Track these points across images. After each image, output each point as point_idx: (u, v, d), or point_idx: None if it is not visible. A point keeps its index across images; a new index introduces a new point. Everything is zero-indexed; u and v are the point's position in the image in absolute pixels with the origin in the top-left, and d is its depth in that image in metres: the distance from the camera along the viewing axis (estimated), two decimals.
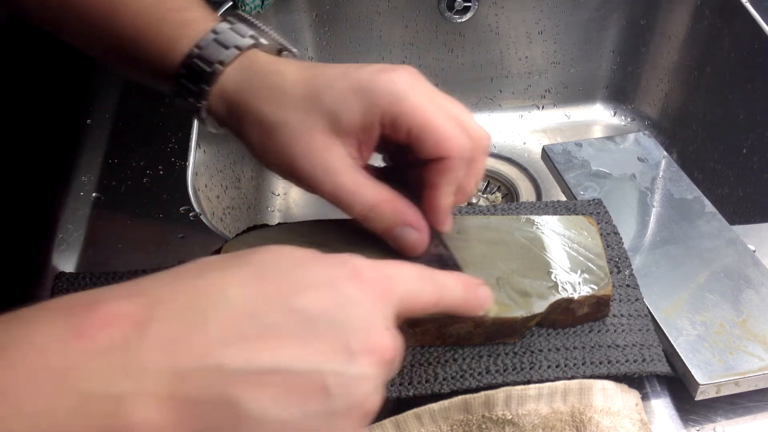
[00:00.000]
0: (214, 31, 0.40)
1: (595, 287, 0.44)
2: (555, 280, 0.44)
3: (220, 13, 0.77)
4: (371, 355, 0.29)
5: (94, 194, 0.56)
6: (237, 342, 0.27)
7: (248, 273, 0.29)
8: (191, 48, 0.40)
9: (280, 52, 0.43)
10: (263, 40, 0.41)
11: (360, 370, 0.28)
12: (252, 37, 0.41)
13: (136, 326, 0.26)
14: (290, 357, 0.27)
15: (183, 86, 0.40)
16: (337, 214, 0.41)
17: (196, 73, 0.40)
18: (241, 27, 0.41)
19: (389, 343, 0.30)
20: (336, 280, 0.30)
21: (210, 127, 0.42)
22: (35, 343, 0.25)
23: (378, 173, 0.41)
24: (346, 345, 0.28)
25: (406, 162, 0.41)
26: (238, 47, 0.40)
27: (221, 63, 0.39)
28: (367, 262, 0.31)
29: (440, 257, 0.41)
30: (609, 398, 0.42)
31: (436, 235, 0.41)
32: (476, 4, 0.87)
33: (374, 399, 0.29)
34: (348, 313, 0.29)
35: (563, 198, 0.59)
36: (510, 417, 0.41)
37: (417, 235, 0.39)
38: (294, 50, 0.43)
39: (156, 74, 0.42)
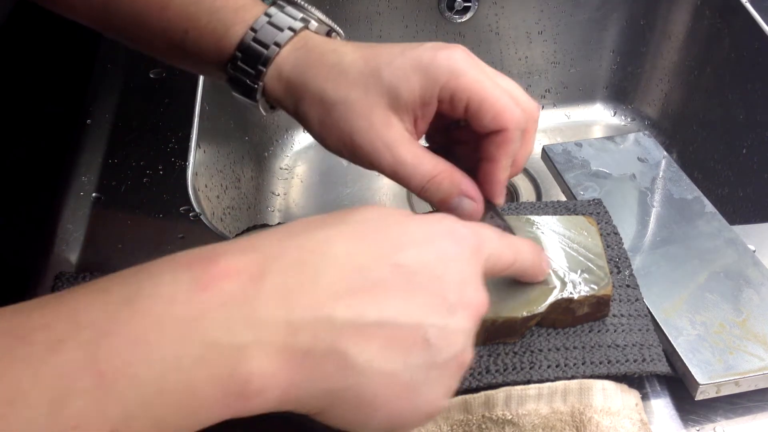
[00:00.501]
0: (267, 14, 0.41)
1: (595, 287, 0.44)
2: (555, 280, 0.44)
3: None
4: (467, 309, 0.30)
5: (94, 194, 0.56)
6: (345, 295, 0.28)
7: (352, 230, 0.31)
8: (246, 31, 0.41)
9: (329, 33, 0.44)
10: (314, 22, 0.42)
11: (458, 323, 0.30)
12: (303, 19, 0.42)
13: (253, 279, 0.28)
14: (394, 310, 0.29)
15: (240, 68, 0.41)
16: None
17: (252, 55, 0.41)
18: (292, 10, 0.42)
19: (482, 298, 0.31)
20: (434, 236, 0.31)
21: (262, 110, 0.43)
22: (161, 294, 0.27)
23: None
24: (445, 299, 0.30)
25: (453, 140, 0.43)
26: (291, 29, 0.41)
27: (277, 44, 0.40)
28: (459, 221, 0.33)
29: (499, 227, 0.41)
30: (609, 398, 0.42)
31: (491, 207, 0.42)
32: (476, 4, 0.87)
33: (468, 351, 0.31)
34: (446, 268, 0.31)
35: (563, 198, 0.59)
36: (510, 417, 0.41)
37: (474, 205, 0.40)
38: (341, 31, 0.44)
39: (210, 61, 0.42)
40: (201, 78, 0.66)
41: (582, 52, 0.92)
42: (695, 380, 0.43)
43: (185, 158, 0.59)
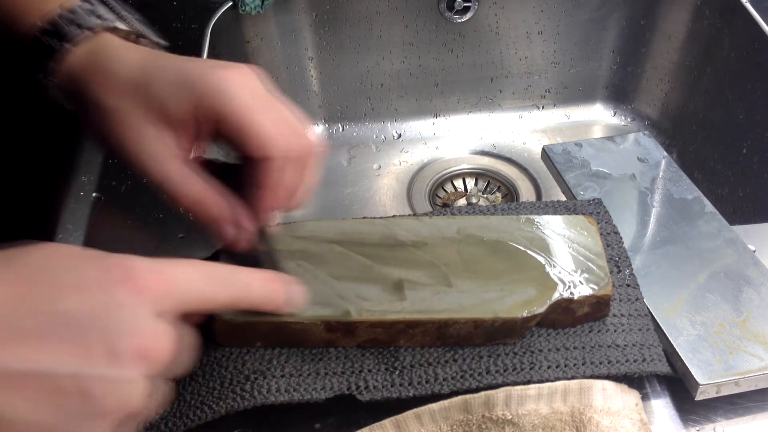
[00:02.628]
0: (70, 11, 0.41)
1: (595, 287, 0.44)
2: (555, 280, 0.44)
3: (220, 12, 0.77)
4: (139, 358, 0.29)
5: (94, 194, 0.56)
6: None
7: (13, 274, 0.29)
8: (41, 23, 0.40)
9: (138, 38, 0.43)
10: (120, 25, 0.42)
11: (124, 373, 0.29)
12: (106, 19, 0.41)
13: None
14: (48, 360, 0.28)
15: (29, 61, 0.41)
16: (336, 215, 0.41)
17: (41, 49, 0.40)
18: (100, 9, 0.41)
19: (160, 344, 0.30)
20: (104, 282, 0.30)
21: (62, 104, 0.42)
22: None
23: (225, 168, 0.42)
24: (110, 348, 0.29)
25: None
26: (90, 29, 0.40)
27: (69, 41, 0.40)
28: (144, 262, 0.31)
29: (258, 254, 0.42)
30: (609, 398, 0.42)
31: (263, 232, 0.41)
32: (476, 4, 0.87)
33: (141, 400, 0.30)
34: (113, 316, 0.29)
35: (563, 198, 0.59)
36: (510, 417, 0.41)
37: (238, 232, 0.40)
38: (155, 39, 0.44)
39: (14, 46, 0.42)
40: None
41: (582, 52, 0.92)
42: (695, 380, 0.43)
43: None
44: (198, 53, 0.72)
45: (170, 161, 0.39)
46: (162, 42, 0.44)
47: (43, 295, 0.29)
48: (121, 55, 0.40)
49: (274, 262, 0.42)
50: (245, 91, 0.39)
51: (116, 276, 0.30)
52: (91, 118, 0.40)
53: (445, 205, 0.85)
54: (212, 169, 0.41)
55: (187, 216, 0.55)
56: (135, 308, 0.30)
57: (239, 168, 0.41)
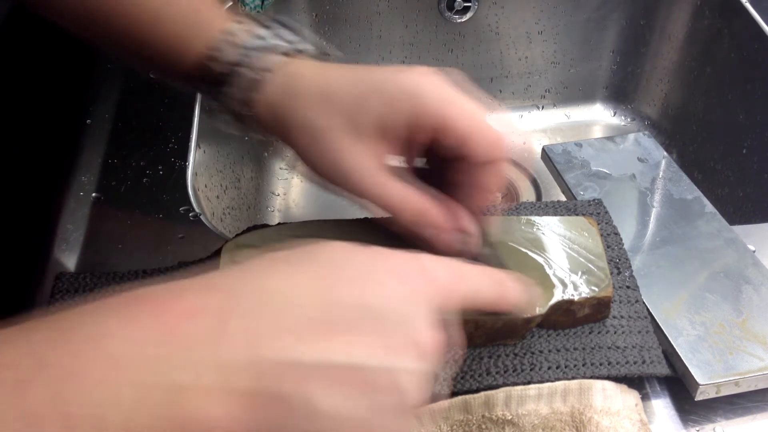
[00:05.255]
0: (258, 38, 0.40)
1: (596, 288, 0.44)
2: (555, 281, 0.44)
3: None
4: (413, 350, 0.29)
5: (94, 194, 0.56)
6: (310, 338, 0.27)
7: (315, 271, 0.29)
8: (236, 56, 0.40)
9: (323, 56, 0.43)
10: (307, 46, 0.41)
11: (401, 364, 0.29)
12: (293, 42, 0.41)
13: (216, 319, 0.27)
14: (361, 353, 0.28)
15: (228, 95, 0.40)
16: (336, 215, 0.41)
17: (241, 81, 0.40)
18: (284, 33, 0.41)
19: (431, 337, 0.30)
20: (405, 277, 0.30)
21: (255, 132, 0.42)
22: (125, 335, 0.26)
23: (417, 174, 0.41)
24: (413, 341, 0.29)
25: (442, 164, 0.41)
26: (284, 53, 0.40)
27: (267, 70, 0.39)
28: (433, 258, 0.32)
29: (482, 256, 0.41)
30: (609, 398, 0.42)
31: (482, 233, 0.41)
32: (476, 4, 0.87)
33: (418, 393, 0.30)
34: (390, 308, 0.29)
35: (563, 198, 0.59)
36: (510, 417, 0.41)
37: (467, 238, 0.40)
38: (339, 54, 0.44)
39: (196, 83, 0.42)
40: None
41: (582, 52, 0.92)
42: (695, 380, 0.43)
43: (185, 158, 0.59)
44: None
45: (386, 175, 0.38)
46: (339, 54, 0.44)
47: (346, 289, 0.29)
48: (315, 74, 0.39)
49: (499, 262, 0.42)
50: (444, 92, 0.38)
51: (411, 270, 0.31)
52: (298, 142, 0.39)
53: None
54: (415, 176, 0.41)
55: (187, 216, 0.55)
56: (430, 302, 0.30)
57: (428, 172, 0.41)
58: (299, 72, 0.40)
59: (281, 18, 0.42)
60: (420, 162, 0.42)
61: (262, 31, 0.41)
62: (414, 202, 0.39)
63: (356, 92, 0.38)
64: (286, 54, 0.40)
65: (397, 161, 0.40)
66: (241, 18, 0.42)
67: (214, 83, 0.41)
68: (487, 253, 0.41)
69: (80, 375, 0.24)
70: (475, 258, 0.40)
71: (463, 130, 0.38)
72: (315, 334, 0.27)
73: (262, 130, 0.41)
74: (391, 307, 0.29)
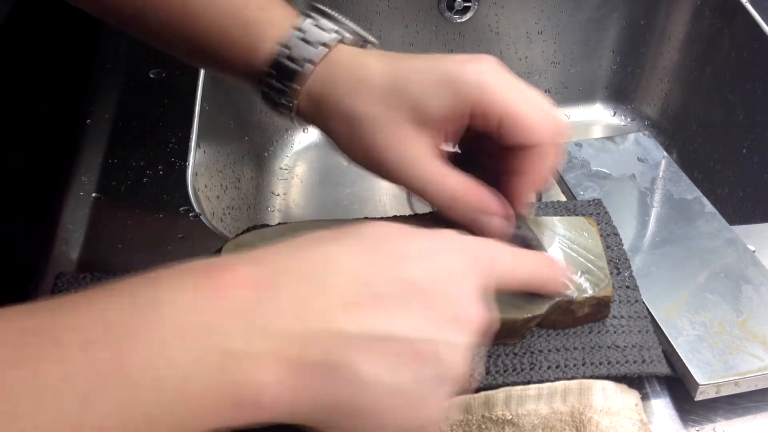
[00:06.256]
0: (300, 30, 0.40)
1: (596, 288, 0.44)
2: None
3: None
4: (473, 325, 0.30)
5: (94, 194, 0.56)
6: (355, 309, 0.28)
7: (359, 245, 0.31)
8: (278, 48, 0.40)
9: (362, 43, 0.43)
10: (347, 34, 0.41)
11: (465, 339, 0.30)
12: (336, 32, 0.41)
13: (266, 290, 0.28)
14: (405, 325, 0.29)
15: (272, 86, 0.40)
16: (337, 215, 0.41)
17: (285, 73, 0.40)
18: (325, 23, 0.41)
19: (486, 314, 0.31)
20: (442, 251, 0.31)
21: (299, 125, 0.43)
22: (182, 300, 0.27)
23: (452, 160, 0.41)
24: (455, 315, 0.30)
25: (481, 150, 0.42)
26: (325, 44, 0.40)
27: (311, 62, 0.39)
28: (470, 237, 0.33)
29: (524, 238, 0.42)
30: (608, 398, 0.42)
31: (519, 219, 0.42)
32: (476, 4, 0.87)
33: (463, 367, 0.31)
34: (455, 283, 0.30)
35: (563, 198, 0.59)
36: (510, 417, 0.41)
37: (502, 223, 0.40)
38: (374, 41, 0.43)
39: (243, 74, 0.42)
40: (201, 78, 0.66)
41: (582, 52, 0.92)
42: (695, 380, 0.43)
43: (185, 158, 0.59)
44: None
45: (428, 162, 0.39)
46: (376, 42, 0.44)
47: (390, 264, 0.30)
48: (362, 63, 0.40)
49: (540, 245, 0.42)
50: (502, 81, 0.39)
51: (452, 246, 0.32)
52: (340, 131, 0.40)
53: None
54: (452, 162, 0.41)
55: (187, 216, 0.55)
56: (470, 277, 0.31)
57: (468, 159, 0.41)
58: (338, 60, 0.40)
59: (320, 6, 0.42)
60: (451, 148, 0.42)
61: (303, 22, 0.41)
62: (447, 185, 0.39)
63: (393, 80, 0.39)
64: (326, 45, 0.40)
65: (432, 148, 0.40)
66: (282, 7, 0.42)
67: (256, 74, 0.41)
68: (528, 236, 0.42)
69: (140, 338, 0.26)
70: (521, 238, 0.41)
71: (499, 115, 0.38)
72: (360, 306, 0.29)
73: (301, 119, 0.42)
74: (434, 282, 0.30)
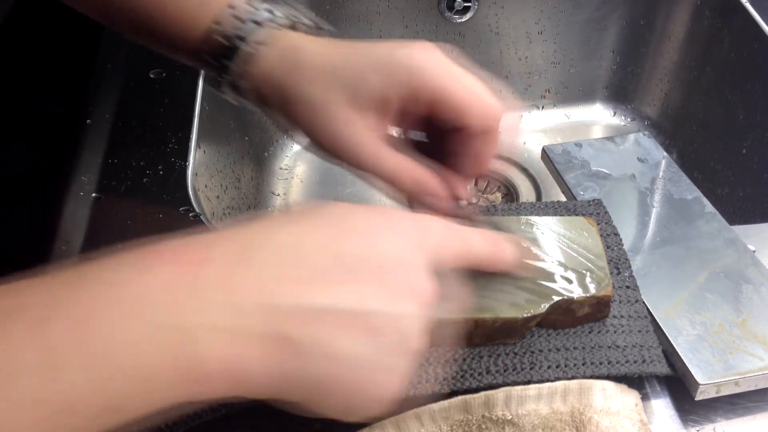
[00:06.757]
0: (231, 6, 0.41)
1: (596, 288, 0.44)
2: (555, 280, 0.44)
3: None
4: (413, 297, 0.31)
5: (94, 194, 0.56)
6: (289, 283, 0.29)
7: (322, 224, 0.31)
8: (209, 24, 0.41)
9: (318, 31, 0.44)
10: (302, 20, 0.43)
11: (403, 309, 0.30)
12: (287, 17, 0.42)
13: (235, 265, 0.28)
14: (337, 298, 0.29)
15: (205, 62, 0.42)
16: None
17: (216, 48, 0.41)
18: (278, 7, 0.42)
19: (429, 286, 0.32)
20: (377, 228, 0.32)
21: (257, 108, 0.44)
22: (104, 278, 0.27)
23: (413, 146, 0.43)
24: (388, 287, 0.30)
25: (438, 136, 0.43)
26: (277, 27, 0.41)
27: (261, 44, 0.41)
28: (403, 212, 0.34)
29: (492, 224, 0.43)
30: (609, 398, 0.42)
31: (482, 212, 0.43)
32: (476, 4, 0.87)
33: (419, 338, 0.31)
34: (390, 258, 0.31)
35: (563, 198, 0.59)
36: (510, 417, 0.41)
37: (438, 202, 0.41)
38: (330, 28, 0.45)
39: (182, 53, 0.43)
40: (201, 78, 0.66)
41: (582, 52, 0.92)
42: (695, 380, 0.43)
43: (185, 158, 0.59)
44: None
45: (378, 144, 0.40)
46: (332, 29, 0.45)
47: (350, 240, 0.31)
48: (314, 48, 0.41)
49: (496, 228, 0.43)
50: (441, 65, 0.40)
51: (409, 225, 0.33)
52: (298, 115, 0.41)
53: None
54: (409, 147, 0.42)
55: (187, 216, 0.55)
56: (405, 251, 0.32)
57: (422, 144, 0.42)
58: (298, 46, 0.41)
59: None
60: (418, 135, 0.43)
61: (256, 5, 0.42)
62: (411, 171, 0.41)
63: (355, 66, 0.40)
64: (278, 28, 0.41)
65: (394, 133, 0.41)
66: None
67: (215, 57, 0.42)
68: (484, 220, 0.42)
69: (98, 316, 0.26)
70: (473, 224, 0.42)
71: (460, 101, 0.39)
72: (322, 281, 0.29)
73: (262, 103, 0.43)
74: (392, 258, 0.31)
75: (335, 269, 0.30)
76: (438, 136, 0.43)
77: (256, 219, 0.32)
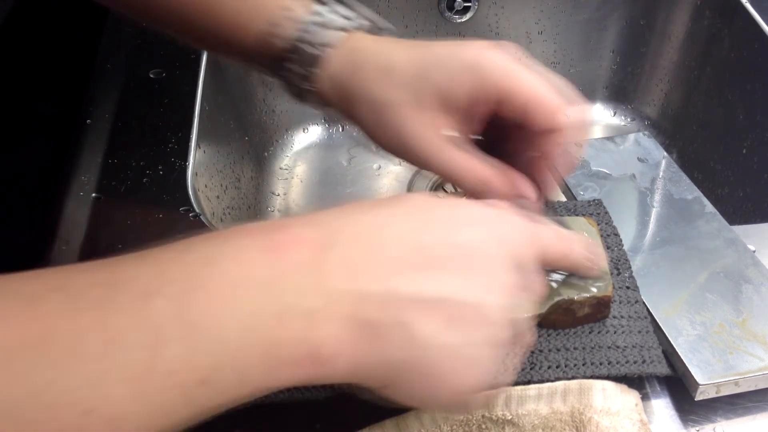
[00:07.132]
0: (316, 13, 0.41)
1: (596, 288, 0.44)
2: (555, 280, 0.44)
3: None
4: (498, 289, 0.31)
5: (94, 194, 0.56)
6: (408, 271, 0.29)
7: (406, 213, 0.32)
8: (294, 32, 0.41)
9: (378, 30, 0.44)
10: (364, 21, 0.42)
11: (488, 300, 0.30)
12: (351, 18, 0.42)
13: (321, 249, 0.29)
14: (455, 288, 0.30)
15: (289, 70, 0.41)
16: None
17: (302, 56, 0.41)
18: (340, 9, 0.42)
19: (512, 279, 0.32)
20: (490, 219, 0.32)
21: (315, 108, 0.43)
22: (239, 257, 0.28)
23: (474, 144, 0.42)
24: (474, 278, 0.30)
25: (502, 135, 0.42)
26: (341, 29, 0.41)
27: (327, 45, 0.40)
28: (485, 206, 0.34)
29: (558, 222, 0.42)
30: (609, 398, 0.42)
31: (547, 203, 0.42)
32: (476, 4, 0.87)
33: (527, 333, 0.32)
34: (503, 250, 0.31)
35: (563, 198, 0.59)
36: (510, 417, 0.41)
37: (531, 205, 0.41)
38: (392, 28, 0.44)
39: (259, 61, 0.43)
40: (201, 78, 0.66)
41: (582, 52, 0.92)
42: (695, 380, 0.43)
43: (185, 158, 0.59)
44: (197, 53, 0.72)
45: (452, 147, 0.40)
46: (392, 28, 0.44)
47: (435, 229, 0.31)
48: (384, 48, 0.41)
49: (564, 227, 0.42)
50: (505, 63, 0.40)
51: (493, 217, 0.33)
52: (365, 117, 0.40)
53: None
54: (468, 145, 0.42)
55: (187, 216, 0.55)
56: (518, 245, 0.32)
57: (481, 143, 0.42)
58: (360, 47, 0.41)
59: None
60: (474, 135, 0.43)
61: (319, 7, 0.41)
62: (476, 170, 0.40)
63: (419, 65, 0.39)
64: (343, 29, 0.41)
65: (457, 133, 0.40)
66: None
67: (275, 59, 0.41)
68: (550, 219, 0.42)
69: (201, 290, 0.26)
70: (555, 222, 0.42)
71: (524, 99, 0.39)
72: (408, 268, 0.29)
73: (324, 105, 0.42)
74: (477, 248, 0.31)
75: (421, 257, 0.30)
76: (498, 135, 0.43)
77: (353, 206, 0.32)
